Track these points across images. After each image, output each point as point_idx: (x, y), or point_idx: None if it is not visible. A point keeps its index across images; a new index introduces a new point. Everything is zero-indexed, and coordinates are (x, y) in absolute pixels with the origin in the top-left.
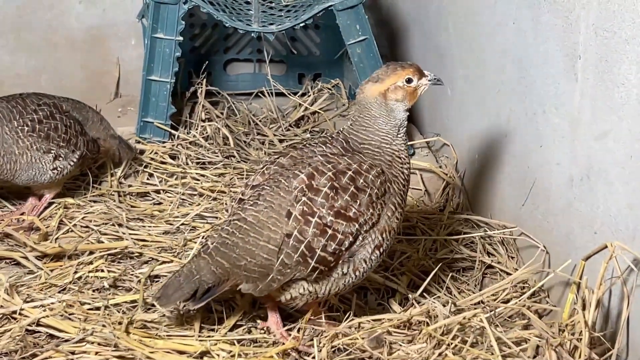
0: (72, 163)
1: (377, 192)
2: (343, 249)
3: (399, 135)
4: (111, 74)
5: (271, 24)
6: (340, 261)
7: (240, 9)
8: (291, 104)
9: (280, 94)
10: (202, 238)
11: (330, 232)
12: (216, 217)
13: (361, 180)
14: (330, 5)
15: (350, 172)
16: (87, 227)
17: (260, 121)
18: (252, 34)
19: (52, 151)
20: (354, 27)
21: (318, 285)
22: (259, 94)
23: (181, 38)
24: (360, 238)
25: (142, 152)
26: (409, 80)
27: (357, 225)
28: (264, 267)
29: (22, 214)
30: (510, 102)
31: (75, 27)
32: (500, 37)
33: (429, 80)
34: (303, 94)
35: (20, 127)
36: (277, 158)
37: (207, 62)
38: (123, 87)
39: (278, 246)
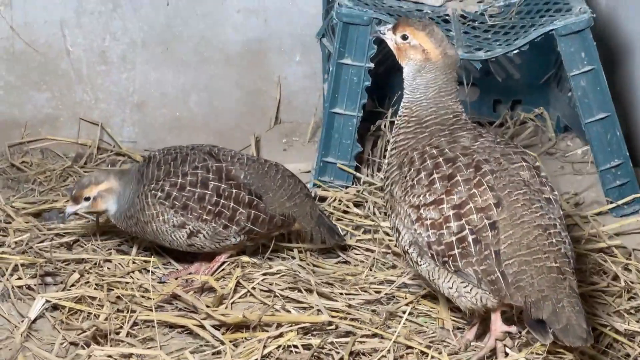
0: (219, 240)
1: None
2: None
3: None
4: (270, 95)
5: (478, 49)
6: None
7: None
8: None
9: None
10: (406, 313)
11: None
12: (420, 286)
13: None
14: (552, 30)
15: None
16: (268, 290)
17: None
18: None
19: (188, 226)
20: (578, 56)
21: None
22: None
23: (372, 65)
24: None
25: (322, 199)
26: None
27: None
28: None
29: (190, 273)
30: None
31: (232, 39)
32: None
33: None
34: (500, 125)
35: (153, 191)
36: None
37: (388, 83)
38: (284, 111)
39: None
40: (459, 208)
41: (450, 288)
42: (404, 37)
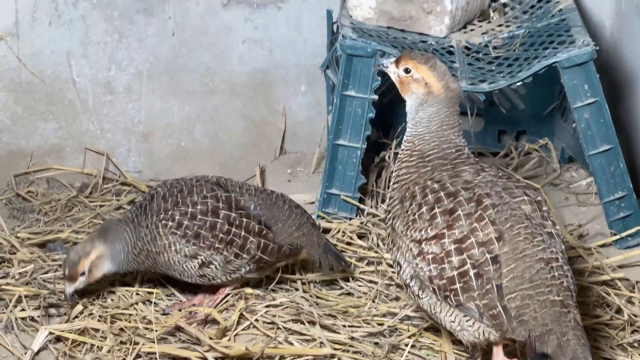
0: (231, 271)
1: None
2: None
3: None
4: (276, 125)
5: (482, 81)
6: None
7: (443, 61)
8: None
9: (480, 154)
10: (409, 346)
11: None
12: (423, 319)
13: None
14: (555, 62)
15: None
16: (272, 323)
17: None
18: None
19: (200, 256)
20: (581, 88)
21: None
22: None
23: (376, 97)
24: None
25: (326, 230)
26: None
27: None
28: None
29: (193, 305)
30: None
31: (237, 69)
32: None
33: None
34: (505, 155)
35: (163, 221)
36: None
37: (392, 114)
38: (289, 142)
39: None
40: (460, 242)
41: (453, 322)
42: (407, 71)
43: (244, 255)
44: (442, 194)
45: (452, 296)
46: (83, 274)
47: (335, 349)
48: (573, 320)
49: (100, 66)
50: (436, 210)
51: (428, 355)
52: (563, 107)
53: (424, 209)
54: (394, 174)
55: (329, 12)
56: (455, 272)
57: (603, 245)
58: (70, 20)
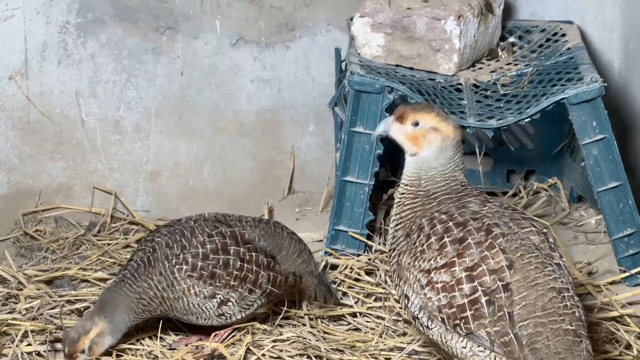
0: (246, 307)
1: None
2: None
3: None
4: (284, 165)
5: (490, 117)
6: None
7: (451, 98)
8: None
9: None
10: None
11: None
12: (431, 354)
13: None
14: (563, 99)
15: None
16: (278, 357)
17: None
18: (468, 130)
19: (218, 295)
20: (590, 124)
21: None
22: None
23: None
24: None
25: (333, 267)
26: None
27: None
28: None
29: (200, 339)
30: None
31: (245, 109)
32: None
33: None
34: (514, 195)
35: (178, 266)
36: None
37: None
38: (298, 181)
39: None
40: (471, 270)
41: (464, 347)
42: (416, 124)
43: (257, 290)
44: (450, 224)
45: (462, 324)
46: (83, 351)
47: None
48: (585, 350)
49: (108, 105)
50: (445, 239)
51: None
52: (572, 147)
53: (432, 239)
54: (395, 216)
55: (337, 50)
56: (465, 300)
57: (612, 283)
58: (79, 60)
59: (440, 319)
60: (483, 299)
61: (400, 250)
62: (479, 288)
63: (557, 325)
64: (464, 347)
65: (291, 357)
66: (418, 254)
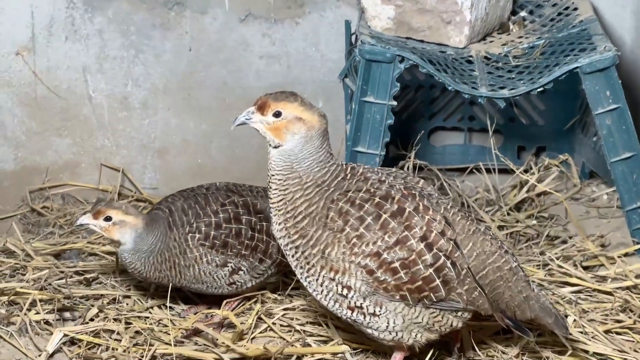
0: (257, 276)
1: None
2: None
3: None
4: None
5: (502, 87)
6: None
7: (462, 69)
8: (509, 183)
9: (498, 171)
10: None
11: None
12: None
13: None
14: (576, 67)
15: None
16: (288, 325)
17: (475, 202)
18: (466, 96)
19: (230, 264)
20: (603, 94)
21: None
22: (474, 169)
23: (394, 103)
24: None
25: None
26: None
27: None
28: None
29: (210, 307)
30: None
31: (254, 85)
32: None
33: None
34: (525, 171)
35: (191, 234)
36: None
37: (410, 129)
38: None
39: None
40: (425, 239)
41: (434, 317)
42: (277, 115)
43: (267, 260)
44: (377, 199)
45: (431, 294)
46: (108, 219)
47: (354, 349)
48: (537, 286)
49: (116, 82)
50: (384, 215)
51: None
52: (584, 122)
53: (368, 219)
54: (289, 223)
55: (347, 23)
56: (431, 270)
57: (625, 255)
58: (86, 35)
59: (399, 297)
60: (448, 263)
61: (319, 247)
62: (440, 254)
63: (507, 266)
64: (434, 317)
65: (301, 325)
66: (354, 239)
